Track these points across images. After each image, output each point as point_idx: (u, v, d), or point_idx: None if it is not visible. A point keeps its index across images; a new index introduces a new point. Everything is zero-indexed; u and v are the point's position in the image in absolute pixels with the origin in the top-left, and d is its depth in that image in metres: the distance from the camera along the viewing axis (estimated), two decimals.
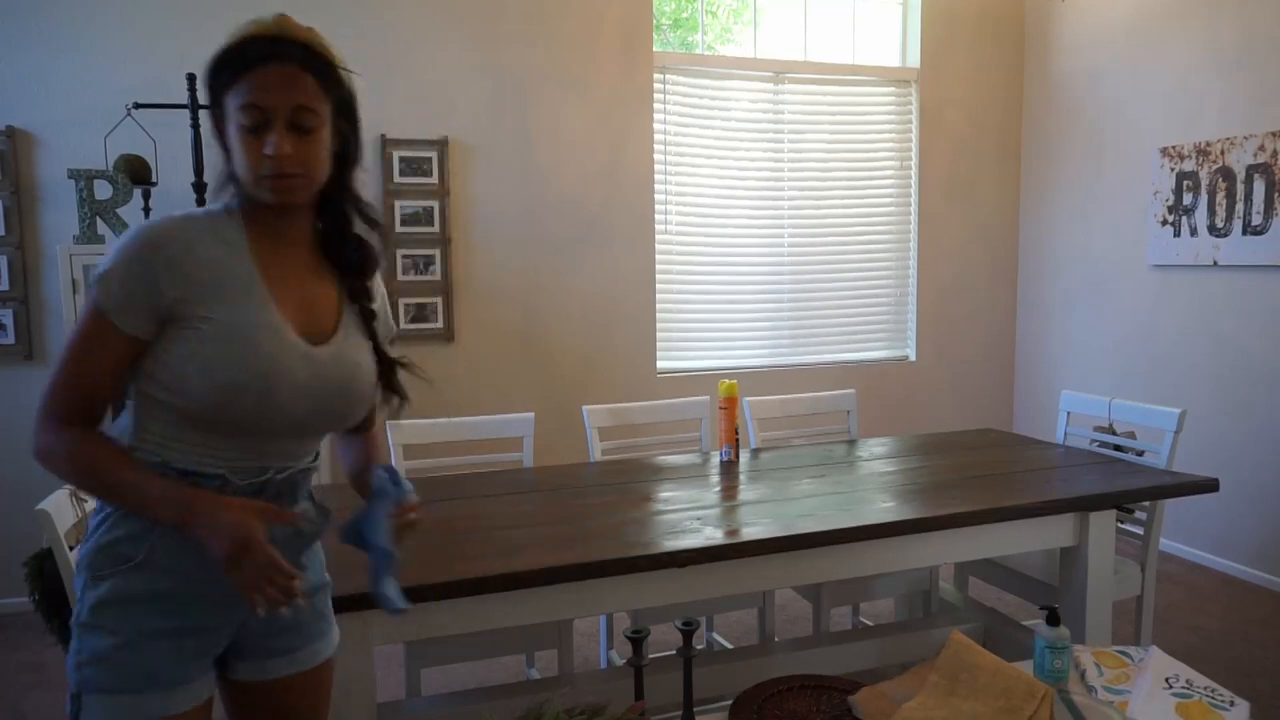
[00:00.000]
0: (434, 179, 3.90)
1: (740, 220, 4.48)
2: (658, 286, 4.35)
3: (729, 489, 2.41)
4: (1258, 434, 3.75)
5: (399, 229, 3.87)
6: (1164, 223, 4.09)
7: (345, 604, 1.68)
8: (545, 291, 4.15)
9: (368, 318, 1.40)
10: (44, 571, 1.96)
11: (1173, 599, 3.63)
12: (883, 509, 2.20)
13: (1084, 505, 2.33)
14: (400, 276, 3.89)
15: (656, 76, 4.25)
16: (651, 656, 2.58)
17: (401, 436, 2.72)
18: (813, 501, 2.27)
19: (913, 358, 4.85)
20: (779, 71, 4.47)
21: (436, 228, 3.92)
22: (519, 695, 2.22)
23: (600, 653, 3.12)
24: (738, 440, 2.71)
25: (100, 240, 3.23)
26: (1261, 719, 2.69)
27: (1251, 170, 3.69)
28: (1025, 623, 2.89)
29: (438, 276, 3.94)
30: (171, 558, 1.22)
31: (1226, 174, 3.79)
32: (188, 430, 1.22)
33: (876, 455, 2.80)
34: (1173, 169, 4.03)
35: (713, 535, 2.01)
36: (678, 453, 2.90)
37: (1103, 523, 2.40)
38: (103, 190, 3.42)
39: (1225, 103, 3.81)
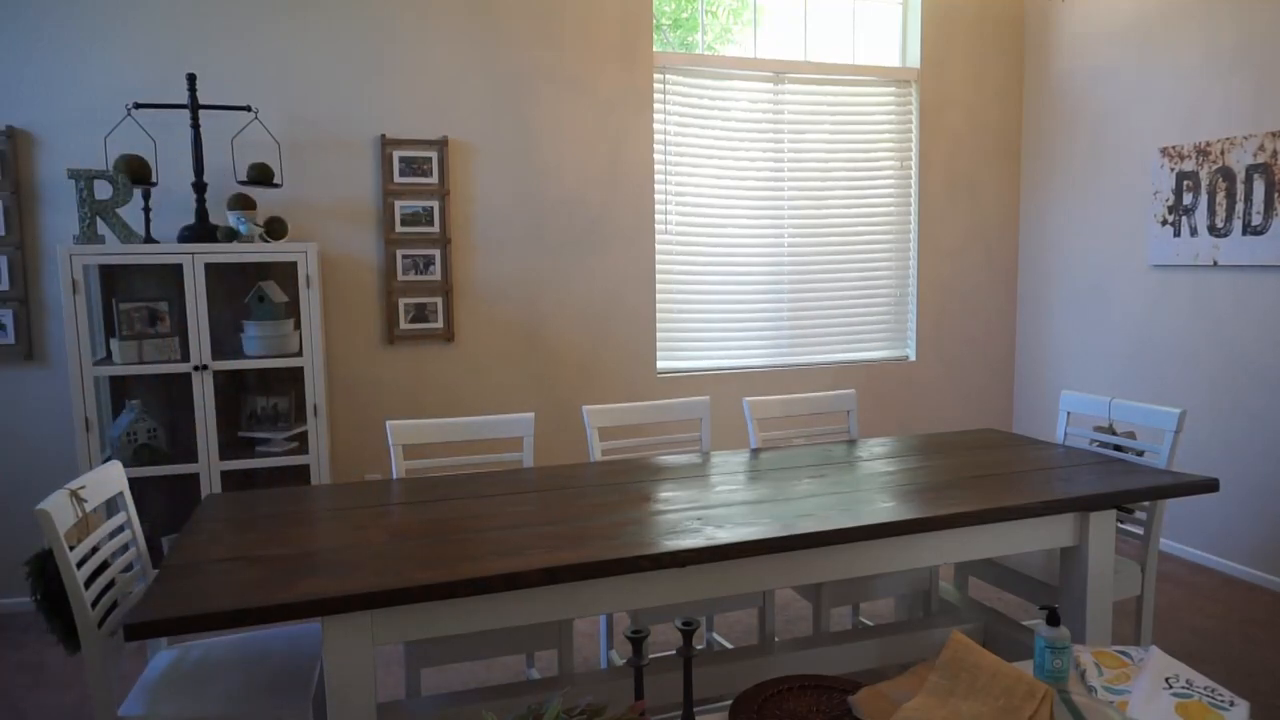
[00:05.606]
0: (434, 179, 3.90)
1: (740, 220, 4.48)
2: (658, 286, 4.36)
3: (729, 489, 2.41)
4: (1258, 434, 3.75)
5: (399, 229, 3.88)
6: (1164, 223, 4.09)
7: (346, 604, 1.68)
8: (545, 291, 4.15)
9: None
10: (45, 571, 1.96)
11: (1173, 599, 3.63)
12: (883, 509, 2.20)
13: (1084, 505, 2.33)
14: (400, 276, 3.89)
15: (656, 76, 4.25)
16: (651, 656, 2.59)
17: (401, 436, 2.72)
18: (813, 501, 2.27)
19: (913, 358, 4.85)
20: (779, 71, 4.47)
21: (436, 228, 3.92)
22: (519, 695, 2.22)
23: (600, 653, 3.12)
24: None
25: (101, 240, 3.23)
26: (1261, 719, 2.69)
27: (1251, 170, 3.69)
28: (1025, 623, 2.89)
29: (438, 276, 3.94)
30: None
31: (1226, 174, 3.79)
32: None
33: (876, 455, 2.80)
34: (1173, 169, 4.03)
35: (713, 535, 2.01)
36: (678, 453, 2.90)
37: (1103, 523, 2.40)
38: (103, 190, 3.42)
39: (1225, 103, 3.81)
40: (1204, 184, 3.89)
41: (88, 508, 1.95)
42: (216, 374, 3.56)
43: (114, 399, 3.55)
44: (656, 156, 4.28)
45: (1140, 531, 2.75)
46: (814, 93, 4.55)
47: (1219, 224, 3.83)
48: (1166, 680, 1.62)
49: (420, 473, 3.43)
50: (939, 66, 4.72)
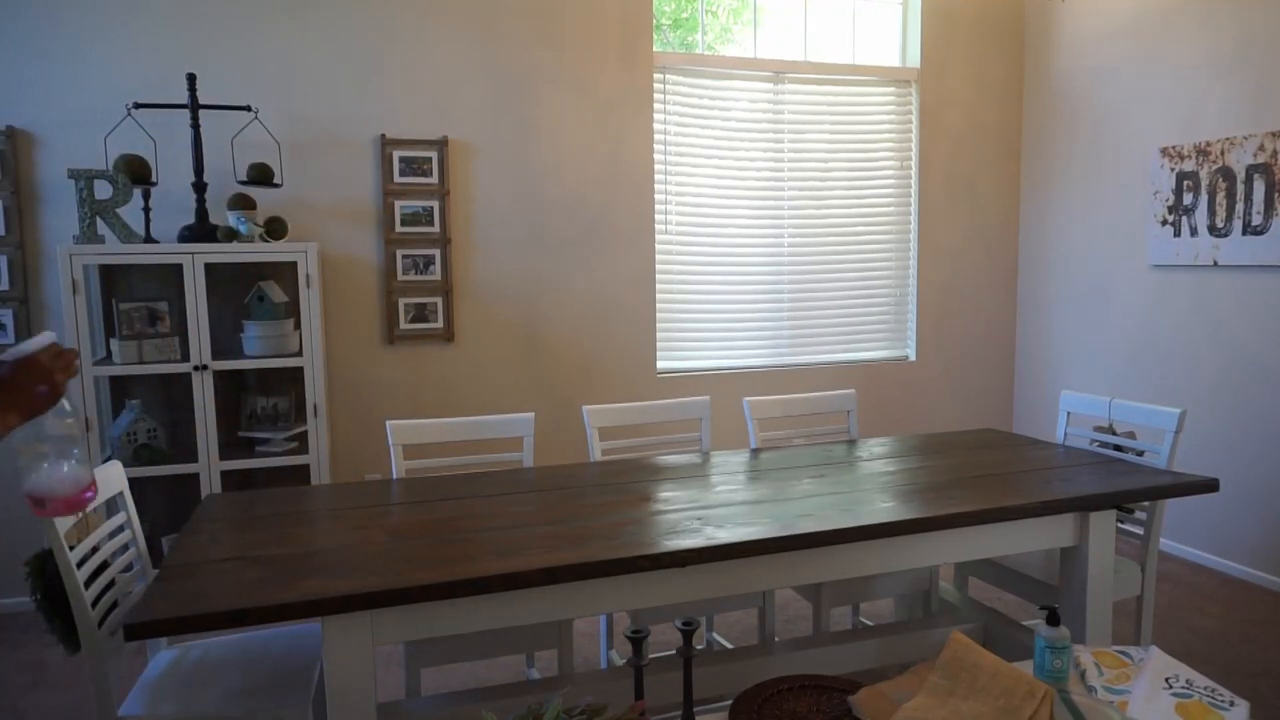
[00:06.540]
0: (434, 179, 3.90)
1: (740, 220, 4.48)
2: (658, 286, 4.36)
3: (729, 489, 2.41)
4: (1258, 434, 3.75)
5: (399, 229, 3.88)
6: (1164, 223, 4.09)
7: (346, 604, 1.68)
8: (545, 291, 4.15)
9: None
10: (45, 571, 1.96)
11: (1173, 599, 3.63)
12: (883, 509, 2.20)
13: (1084, 505, 2.33)
14: (400, 276, 3.89)
15: (656, 76, 4.25)
16: (651, 656, 2.59)
17: (401, 436, 2.72)
18: (813, 501, 2.27)
19: (913, 358, 4.85)
20: (779, 71, 4.47)
21: (436, 228, 3.92)
22: (519, 695, 2.22)
23: (600, 653, 3.12)
24: None
25: (101, 240, 3.23)
26: (1261, 719, 2.69)
27: (1251, 170, 3.69)
28: (1025, 623, 2.89)
29: (438, 276, 3.94)
30: None
31: (1226, 174, 3.79)
32: None
33: (876, 455, 2.80)
34: (1173, 169, 4.03)
35: (713, 535, 2.01)
36: (678, 453, 2.90)
37: (1103, 523, 2.40)
38: (103, 190, 3.41)
39: (1225, 103, 3.81)
40: (1204, 184, 3.89)
41: (88, 508, 1.95)
42: (216, 374, 3.56)
43: (114, 399, 3.55)
44: (656, 156, 4.28)
45: (1140, 531, 2.75)
46: (814, 93, 4.55)
47: (1219, 224, 3.83)
48: (1166, 680, 1.62)
49: (420, 473, 3.43)
50: (939, 66, 4.72)
